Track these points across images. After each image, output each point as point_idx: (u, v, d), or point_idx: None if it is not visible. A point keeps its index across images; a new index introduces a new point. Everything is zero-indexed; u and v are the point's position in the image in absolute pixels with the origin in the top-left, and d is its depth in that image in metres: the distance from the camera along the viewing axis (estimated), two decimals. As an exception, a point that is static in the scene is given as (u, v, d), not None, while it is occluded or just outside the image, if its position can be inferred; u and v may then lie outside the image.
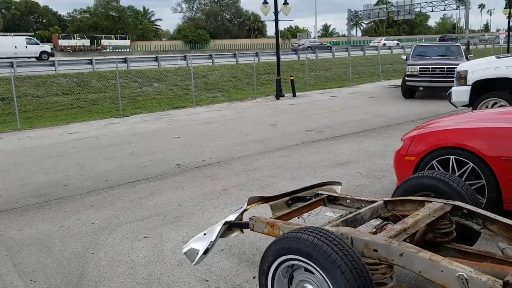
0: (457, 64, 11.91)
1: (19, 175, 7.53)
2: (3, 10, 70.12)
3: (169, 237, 4.60)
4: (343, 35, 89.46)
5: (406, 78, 15.29)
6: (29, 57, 31.57)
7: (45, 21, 75.04)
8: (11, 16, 69.35)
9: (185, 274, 3.77)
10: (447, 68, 14.25)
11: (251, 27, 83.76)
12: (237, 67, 25.42)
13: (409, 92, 15.61)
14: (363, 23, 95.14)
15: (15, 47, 31.95)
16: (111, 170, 7.54)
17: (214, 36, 75.99)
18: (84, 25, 72.98)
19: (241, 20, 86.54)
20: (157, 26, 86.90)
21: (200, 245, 3.37)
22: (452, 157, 4.29)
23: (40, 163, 8.33)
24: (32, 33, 52.36)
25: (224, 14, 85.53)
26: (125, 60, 23.22)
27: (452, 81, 10.98)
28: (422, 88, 15.14)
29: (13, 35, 38.73)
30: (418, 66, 14.79)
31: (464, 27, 57.44)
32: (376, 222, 3.51)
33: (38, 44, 34.49)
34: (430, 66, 14.64)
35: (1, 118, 14.68)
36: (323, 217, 4.30)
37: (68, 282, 3.76)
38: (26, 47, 32.54)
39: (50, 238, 4.78)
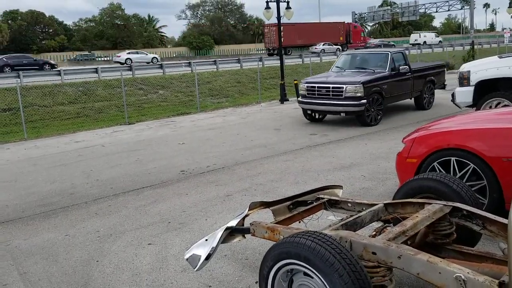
0: (352, 83, 10.64)
1: (26, 184, 7.61)
2: (9, 21, 70.87)
3: (173, 243, 4.63)
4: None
5: (299, 98, 12.36)
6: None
7: (51, 31, 75.73)
8: (17, 27, 70.08)
9: (188, 280, 3.79)
10: (332, 87, 10.91)
11: (256, 31, 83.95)
12: (241, 72, 25.51)
13: (311, 114, 12.16)
14: (368, 25, 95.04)
15: None
16: (117, 178, 7.59)
17: (219, 42, 76.29)
18: (89, 34, 73.60)
19: (245, 25, 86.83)
20: (162, 33, 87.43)
21: (202, 251, 3.39)
22: (453, 159, 4.29)
23: (46, 172, 8.41)
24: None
25: (228, 19, 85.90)
26: (130, 68, 23.39)
27: (339, 105, 10.72)
28: (310, 112, 12.06)
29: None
30: (306, 84, 11.63)
31: (469, 27, 57.20)
32: (378, 225, 3.52)
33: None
34: (316, 85, 11.32)
35: (8, 128, 14.83)
36: (325, 221, 4.31)
37: (73, 290, 3.80)
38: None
39: (56, 246, 4.83)
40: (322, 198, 3.78)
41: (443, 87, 14.23)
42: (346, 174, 6.76)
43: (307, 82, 11.68)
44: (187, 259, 3.45)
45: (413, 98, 12.98)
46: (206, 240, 3.47)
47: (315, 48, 46.61)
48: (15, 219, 5.86)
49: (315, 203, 3.75)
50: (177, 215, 5.51)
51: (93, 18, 76.97)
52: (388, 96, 11.47)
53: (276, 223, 3.38)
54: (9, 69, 29.48)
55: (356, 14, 72.00)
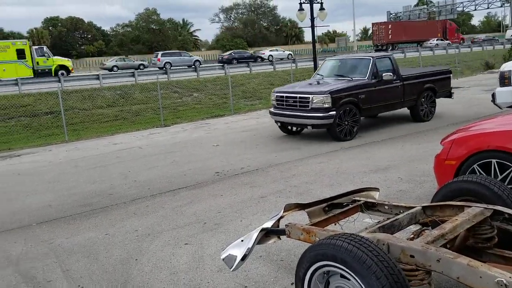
0: (319, 93, 9.59)
1: (67, 185, 7.88)
2: (50, 28, 73.50)
3: (209, 243, 4.70)
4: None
5: (270, 109, 11.23)
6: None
7: (89, 36, 78.05)
8: (58, 33, 72.60)
9: (224, 280, 3.84)
10: (299, 98, 9.94)
11: (289, 33, 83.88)
12: (274, 74, 25.55)
13: (285, 127, 11.04)
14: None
15: None
16: (154, 179, 7.76)
17: (252, 44, 76.60)
18: (126, 39, 75.40)
19: (278, 27, 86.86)
20: (195, 37, 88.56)
21: (237, 251, 3.43)
22: (494, 161, 4.17)
23: (86, 173, 8.68)
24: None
25: (261, 22, 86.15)
26: (165, 72, 23.82)
27: (306, 117, 9.74)
28: (279, 124, 10.98)
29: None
30: (276, 94, 10.71)
31: (510, 25, 55.21)
32: (415, 228, 3.47)
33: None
34: (284, 95, 10.37)
35: (50, 131, 15.39)
36: (361, 223, 4.27)
37: (113, 287, 3.92)
38: None
39: (96, 245, 4.98)
40: (359, 201, 3.75)
41: (449, 95, 12.42)
42: (382, 176, 6.67)
43: (276, 92, 10.75)
44: (223, 259, 3.49)
45: (409, 109, 11.58)
46: (242, 241, 3.50)
47: (429, 43, 49.74)
48: (58, 219, 6.08)
49: (351, 206, 3.73)
50: (212, 216, 5.59)
51: (130, 23, 78.85)
52: (367, 106, 10.19)
53: (311, 225, 3.38)
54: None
55: (391, 14, 70.84)
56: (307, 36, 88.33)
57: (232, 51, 48.07)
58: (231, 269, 3.40)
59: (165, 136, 12.69)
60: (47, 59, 30.64)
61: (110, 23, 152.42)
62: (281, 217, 3.62)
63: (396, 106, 11.11)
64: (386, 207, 3.60)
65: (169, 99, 19.95)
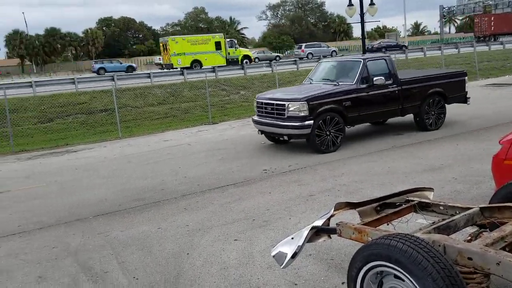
0: (295, 100, 8.73)
1: (121, 180, 8.18)
2: (104, 28, 76.33)
3: (258, 240, 4.75)
4: (435, 33, 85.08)
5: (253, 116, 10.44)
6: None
7: (141, 36, 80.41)
8: (111, 33, 75.29)
9: (274, 277, 3.87)
10: (276, 105, 9.12)
11: (337, 29, 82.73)
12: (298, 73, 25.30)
13: (269, 136, 10.09)
14: (457, 19, 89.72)
15: None
16: (202, 175, 7.91)
17: (299, 41, 76.16)
18: (175, 38, 77.06)
19: (326, 23, 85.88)
20: (242, 35, 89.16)
21: (288, 249, 3.44)
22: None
23: (139, 169, 8.97)
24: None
25: (309, 18, 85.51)
26: (213, 70, 24.15)
27: (282, 126, 8.86)
28: (261, 133, 10.07)
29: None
30: (257, 100, 9.95)
31: None
32: (472, 230, 3.35)
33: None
34: (263, 101, 9.58)
35: (105, 128, 16.00)
36: (414, 224, 4.17)
37: (167, 280, 4.05)
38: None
39: (149, 238, 5.15)
40: (412, 200, 3.67)
41: (463, 100, 10.89)
42: (436, 176, 6.48)
43: (257, 98, 9.97)
44: (273, 256, 3.51)
45: (411, 117, 10.39)
46: (292, 238, 3.51)
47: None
48: (113, 212, 6.33)
49: (404, 205, 3.64)
50: (261, 213, 5.63)
51: (179, 22, 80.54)
52: (354, 114, 9.13)
53: (363, 224, 3.34)
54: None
55: (444, 8, 68.26)
56: (356, 32, 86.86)
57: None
58: (281, 267, 3.42)
59: (213, 134, 12.89)
60: (235, 50, 36.93)
61: (160, 22, 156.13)
62: (332, 215, 3.59)
63: (394, 114, 9.92)
64: (441, 207, 3.50)
65: (216, 96, 20.21)
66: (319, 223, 3.55)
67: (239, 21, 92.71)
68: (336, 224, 3.31)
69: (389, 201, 3.77)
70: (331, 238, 3.63)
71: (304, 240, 3.43)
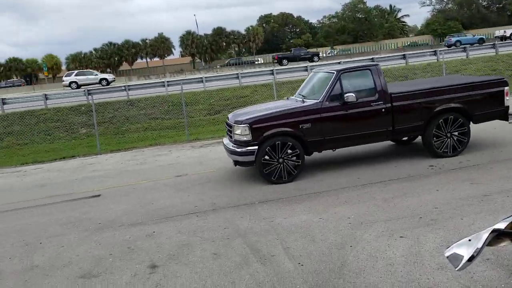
0: (239, 122, 7.53)
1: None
2: (264, 25, 79.97)
3: (426, 239, 4.51)
4: None
5: None
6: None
7: (298, 30, 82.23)
8: (270, 29, 78.57)
9: (446, 279, 3.65)
10: (227, 126, 8.30)
11: (514, 11, 73.15)
12: (497, 58, 22.68)
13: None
14: None
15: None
16: (362, 169, 7.77)
17: (467, 26, 69.42)
18: (332, 30, 76.97)
19: (501, 5, 76.49)
20: (403, 23, 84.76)
21: (464, 251, 3.20)
22: None
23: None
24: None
25: (480, 1, 77.22)
26: (372, 60, 23.49)
27: (230, 151, 7.76)
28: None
29: None
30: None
31: None
32: None
33: None
34: (228, 121, 8.27)
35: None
36: None
37: (331, 270, 4.11)
38: None
39: (311, 228, 5.28)
40: None
41: (503, 117, 8.23)
42: None
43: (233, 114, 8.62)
44: (447, 257, 3.30)
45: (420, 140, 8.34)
46: (470, 240, 3.25)
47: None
48: (275, 200, 6.63)
49: None
50: (428, 211, 5.33)
51: (336, 14, 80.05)
52: (317, 139, 7.59)
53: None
54: None
55: None
56: (540, 13, 75.58)
57: None
58: (456, 269, 3.19)
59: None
60: None
61: (318, 15, 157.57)
62: (518, 219, 3.23)
63: (381, 137, 8.02)
64: None
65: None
66: (501, 226, 3.22)
67: (399, 8, 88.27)
68: (525, 229, 2.96)
69: None
70: (515, 243, 3.27)
71: (484, 243, 3.14)
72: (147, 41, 73.26)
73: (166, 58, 74.75)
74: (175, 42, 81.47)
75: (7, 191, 9.37)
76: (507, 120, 8.23)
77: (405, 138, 8.97)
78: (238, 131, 7.56)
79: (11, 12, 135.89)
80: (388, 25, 77.12)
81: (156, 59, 75.02)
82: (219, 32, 72.96)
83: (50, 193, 8.59)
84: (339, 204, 6.04)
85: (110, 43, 72.63)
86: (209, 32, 73.87)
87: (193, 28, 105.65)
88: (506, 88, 8.05)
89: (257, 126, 7.42)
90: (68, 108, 18.90)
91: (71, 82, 33.44)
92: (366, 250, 4.42)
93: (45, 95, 20.09)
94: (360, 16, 75.57)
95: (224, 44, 74.12)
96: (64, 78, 35.39)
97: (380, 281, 3.77)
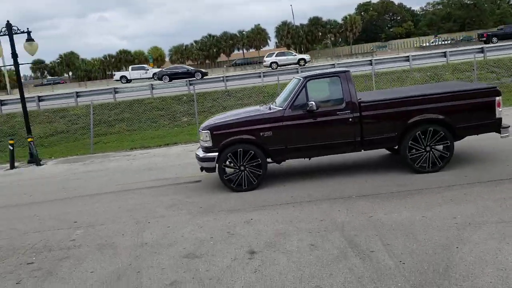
0: (204, 127, 7.55)
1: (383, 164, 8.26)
2: (362, 13, 77.63)
3: (545, 246, 4.13)
4: None
5: None
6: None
7: (399, 18, 78.70)
8: (369, 18, 76.09)
9: None
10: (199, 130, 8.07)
11: None
12: None
13: None
14: None
15: None
16: (468, 168, 7.29)
17: None
18: (436, 17, 72.51)
19: None
20: (518, 8, 77.27)
21: None
22: None
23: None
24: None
25: None
26: (482, 50, 21.77)
27: (198, 157, 7.69)
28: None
29: None
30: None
31: None
32: None
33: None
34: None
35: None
36: None
37: (435, 270, 3.93)
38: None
39: (414, 226, 5.08)
40: None
41: (496, 129, 7.36)
42: None
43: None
44: None
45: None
46: None
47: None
48: (374, 195, 6.47)
49: None
50: (547, 216, 4.87)
51: (441, 0, 75.24)
52: (279, 148, 7.36)
53: None
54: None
55: None
56: None
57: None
58: None
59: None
60: None
61: (420, 2, 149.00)
62: None
63: (347, 147, 7.51)
64: None
65: (484, 79, 18.22)
66: None
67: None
68: None
69: None
70: None
71: None
72: (244, 32, 74.94)
73: (262, 49, 75.92)
74: (271, 33, 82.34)
75: (119, 173, 10.24)
76: (499, 133, 7.39)
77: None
78: (201, 137, 7.68)
79: (121, 7, 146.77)
80: (500, 11, 70.74)
81: (252, 50, 76.52)
82: (315, 22, 72.36)
83: (157, 177, 9.23)
84: (444, 203, 5.74)
85: (209, 35, 75.51)
86: (305, 22, 73.57)
87: (289, 18, 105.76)
88: (497, 98, 7.26)
89: (217, 132, 7.45)
90: (171, 98, 20.05)
91: (272, 63, 34.82)
92: (473, 253, 4.16)
93: (151, 85, 21.49)
94: (469, 2, 70.21)
95: (320, 34, 73.34)
96: (265, 59, 36.63)
97: (490, 286, 3.54)
